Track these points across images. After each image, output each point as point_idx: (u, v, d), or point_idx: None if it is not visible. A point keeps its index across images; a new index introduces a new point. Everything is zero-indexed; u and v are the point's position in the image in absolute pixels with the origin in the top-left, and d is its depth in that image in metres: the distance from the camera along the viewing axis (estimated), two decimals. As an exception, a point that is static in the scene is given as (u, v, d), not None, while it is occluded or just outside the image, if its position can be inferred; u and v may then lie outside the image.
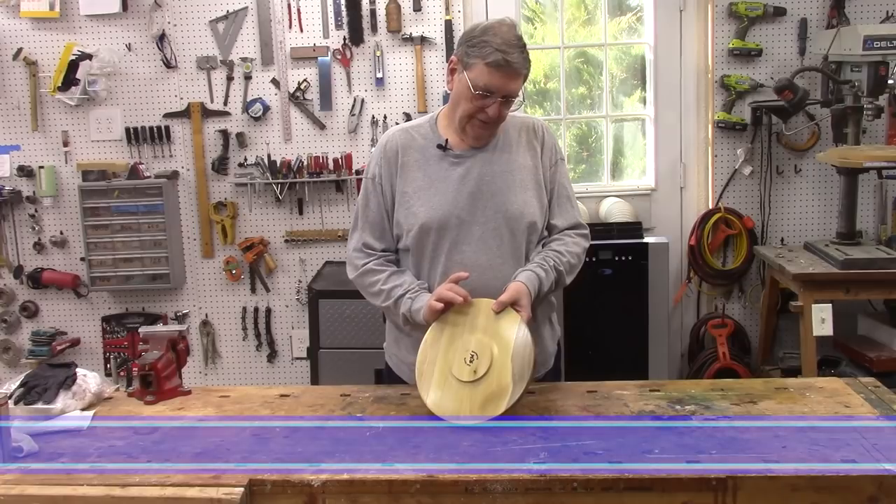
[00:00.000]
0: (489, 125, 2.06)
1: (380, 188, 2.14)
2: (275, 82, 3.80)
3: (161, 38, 3.77)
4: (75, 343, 4.00)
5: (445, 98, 3.72)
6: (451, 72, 2.09)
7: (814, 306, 3.16)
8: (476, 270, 2.05)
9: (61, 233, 3.94)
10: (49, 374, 2.07)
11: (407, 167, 2.12)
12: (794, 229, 3.78)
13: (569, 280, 2.14)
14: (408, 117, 3.75)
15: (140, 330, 2.31)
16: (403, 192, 2.11)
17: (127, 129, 3.84)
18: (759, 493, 1.59)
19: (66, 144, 3.87)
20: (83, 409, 2.04)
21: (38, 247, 3.93)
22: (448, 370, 1.90)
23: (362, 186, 2.20)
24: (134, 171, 3.79)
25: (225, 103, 3.82)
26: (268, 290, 3.96)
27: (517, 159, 2.13)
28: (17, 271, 3.95)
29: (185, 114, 3.83)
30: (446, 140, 2.12)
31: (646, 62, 3.92)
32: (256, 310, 3.98)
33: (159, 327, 3.01)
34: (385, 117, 3.78)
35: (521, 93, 2.06)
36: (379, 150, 2.17)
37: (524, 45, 2.03)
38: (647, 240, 3.55)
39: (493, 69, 1.97)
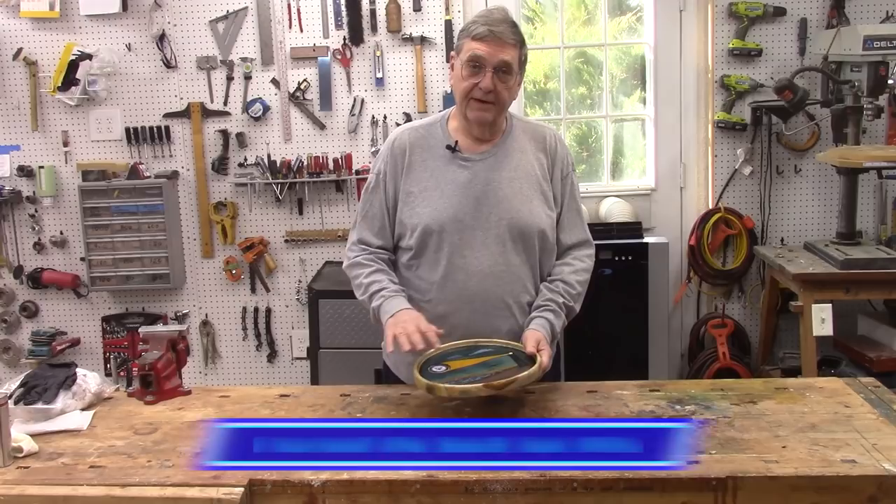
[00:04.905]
0: (488, 104, 2.03)
1: (383, 185, 2.13)
2: (275, 82, 3.80)
3: (161, 38, 3.77)
4: (75, 343, 4.00)
5: (445, 98, 3.72)
6: (451, 68, 2.11)
7: (814, 306, 3.16)
8: (477, 276, 2.05)
9: (61, 233, 3.94)
10: (49, 374, 2.07)
11: (413, 166, 2.11)
12: (794, 229, 3.78)
13: (578, 307, 2.13)
14: (407, 117, 3.74)
15: (140, 330, 2.31)
16: (408, 192, 2.10)
17: (127, 129, 3.83)
18: (759, 493, 1.59)
19: (66, 144, 3.87)
20: (83, 409, 2.04)
21: (38, 247, 3.93)
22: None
23: (367, 181, 2.21)
24: (134, 171, 3.79)
25: (225, 103, 3.82)
26: (268, 290, 3.96)
27: (525, 167, 2.11)
28: (17, 271, 3.95)
29: (185, 114, 3.83)
30: (456, 142, 2.11)
31: (646, 62, 3.92)
32: (256, 310, 3.98)
33: (159, 327, 3.01)
34: (385, 117, 3.78)
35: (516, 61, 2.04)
36: (387, 147, 2.16)
37: (513, 23, 2.05)
38: (647, 240, 3.55)
39: (479, 41, 2.00)
